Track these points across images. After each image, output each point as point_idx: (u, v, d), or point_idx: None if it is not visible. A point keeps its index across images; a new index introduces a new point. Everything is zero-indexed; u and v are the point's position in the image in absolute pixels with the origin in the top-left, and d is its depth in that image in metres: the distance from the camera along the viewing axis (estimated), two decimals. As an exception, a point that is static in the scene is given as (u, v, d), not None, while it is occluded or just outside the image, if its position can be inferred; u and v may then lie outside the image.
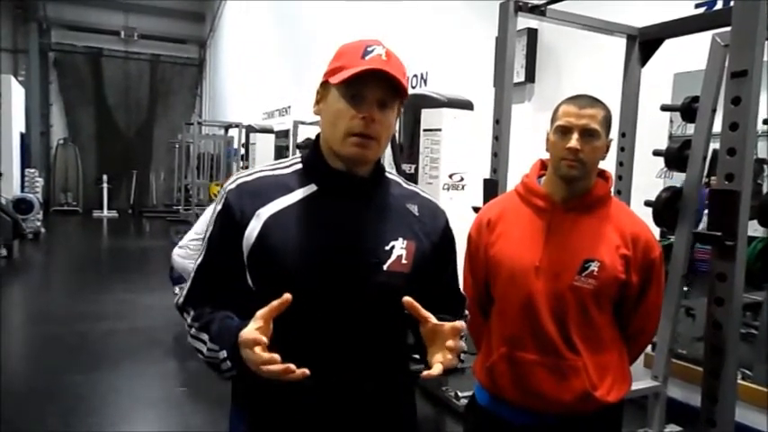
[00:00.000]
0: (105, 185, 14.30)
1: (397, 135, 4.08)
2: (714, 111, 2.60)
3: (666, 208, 2.59)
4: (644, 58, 2.54)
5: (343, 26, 8.23)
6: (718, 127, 2.66)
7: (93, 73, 16.03)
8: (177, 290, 4.80)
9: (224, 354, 1.02)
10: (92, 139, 16.05)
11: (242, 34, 13.56)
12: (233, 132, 11.27)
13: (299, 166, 1.15)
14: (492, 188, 2.22)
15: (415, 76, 6.38)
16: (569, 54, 4.24)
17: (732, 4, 1.54)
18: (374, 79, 1.04)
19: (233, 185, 1.12)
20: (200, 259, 1.14)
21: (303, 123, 7.34)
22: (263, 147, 8.59)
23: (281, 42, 11.04)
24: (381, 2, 7.30)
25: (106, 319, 5.33)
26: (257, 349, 0.93)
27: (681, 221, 2.58)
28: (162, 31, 16.48)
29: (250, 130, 9.03)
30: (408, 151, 4.21)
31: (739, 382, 2.61)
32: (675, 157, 2.67)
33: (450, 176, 4.02)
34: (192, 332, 1.10)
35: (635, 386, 2.77)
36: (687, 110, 2.69)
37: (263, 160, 8.47)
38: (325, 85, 1.10)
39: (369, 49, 1.06)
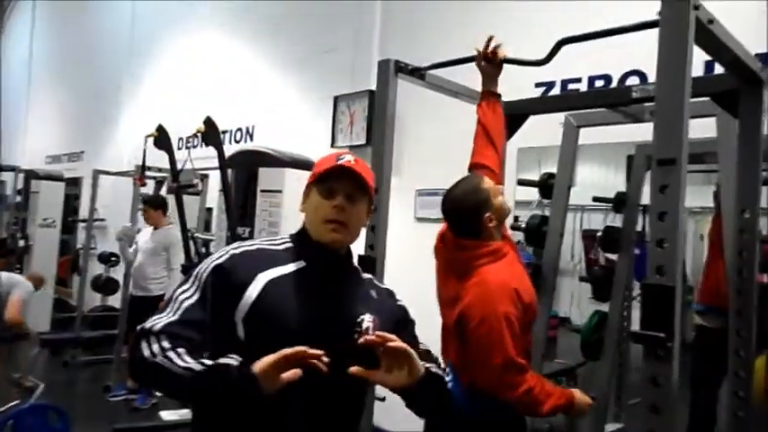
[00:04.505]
0: None
1: (231, 193, 3.64)
2: (570, 188, 2.67)
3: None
4: (509, 132, 2.52)
5: (162, 76, 7.56)
6: (572, 201, 2.76)
7: None
8: None
9: (235, 362, 1.15)
10: None
11: (22, 62, 11.64)
12: (6, 176, 9.55)
13: (290, 244, 1.37)
14: (370, 266, 1.94)
15: (240, 129, 6.00)
16: (411, 119, 4.19)
17: (652, 82, 1.49)
18: (343, 177, 1.32)
19: (237, 250, 1.32)
20: (189, 300, 1.24)
21: (107, 173, 6.41)
22: (50, 196, 7.32)
23: (78, 82, 9.72)
24: (204, 53, 6.88)
25: None
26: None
27: (541, 298, 2.56)
28: None
29: (31, 175, 7.66)
30: (241, 212, 3.78)
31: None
32: (534, 233, 2.67)
33: (290, 242, 3.66)
34: (164, 353, 1.15)
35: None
36: (544, 185, 2.73)
37: (51, 211, 7.28)
38: (308, 188, 1.38)
39: (341, 157, 1.36)
